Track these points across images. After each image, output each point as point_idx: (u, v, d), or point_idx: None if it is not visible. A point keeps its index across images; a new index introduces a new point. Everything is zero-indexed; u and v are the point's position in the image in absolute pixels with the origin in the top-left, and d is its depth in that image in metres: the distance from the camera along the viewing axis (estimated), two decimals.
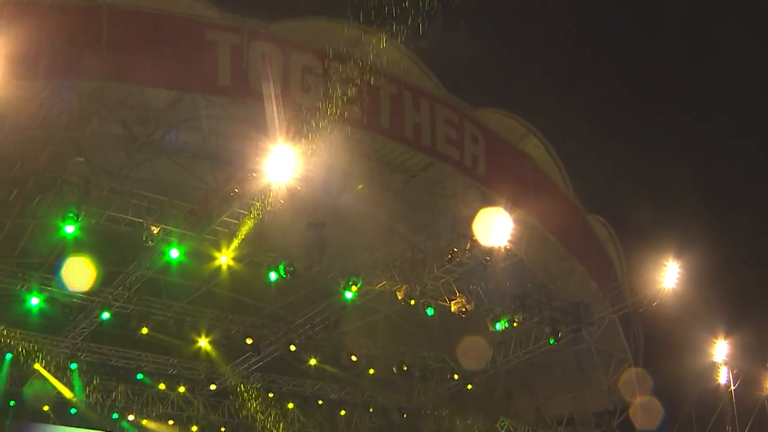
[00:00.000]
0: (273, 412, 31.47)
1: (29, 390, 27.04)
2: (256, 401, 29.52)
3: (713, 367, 28.11)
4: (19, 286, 22.55)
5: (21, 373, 26.83)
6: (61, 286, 22.67)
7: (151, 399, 29.17)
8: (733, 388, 28.38)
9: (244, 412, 30.63)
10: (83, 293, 23.29)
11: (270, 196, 18.56)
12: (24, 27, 16.12)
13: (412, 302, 23.09)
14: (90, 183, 19.04)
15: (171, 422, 28.48)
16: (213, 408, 30.63)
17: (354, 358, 27.20)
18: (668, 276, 23.65)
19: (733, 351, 27.67)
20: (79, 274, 24.70)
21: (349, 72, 19.70)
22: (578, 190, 25.70)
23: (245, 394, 28.96)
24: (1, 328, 24.71)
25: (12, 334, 24.94)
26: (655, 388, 28.51)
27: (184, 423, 30.11)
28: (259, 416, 30.89)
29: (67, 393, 27.37)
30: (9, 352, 25.63)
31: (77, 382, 27.48)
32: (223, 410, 30.58)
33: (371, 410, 31.85)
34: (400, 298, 22.81)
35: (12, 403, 27.22)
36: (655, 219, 26.45)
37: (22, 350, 25.54)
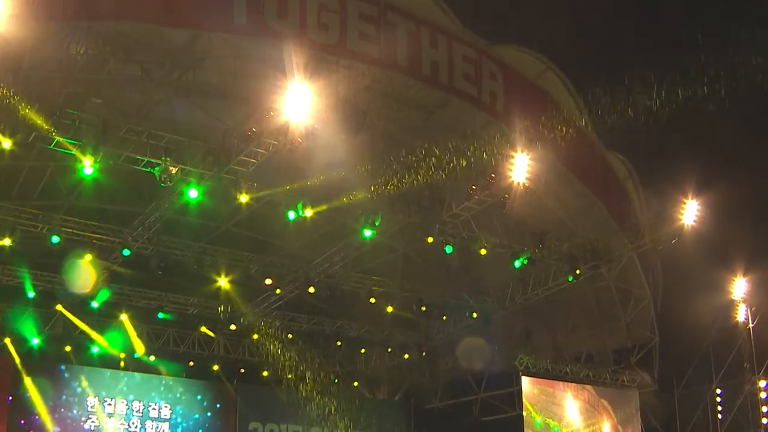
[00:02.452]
0: (291, 351, 31.81)
1: (52, 331, 27.38)
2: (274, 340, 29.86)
3: (732, 305, 28.18)
4: (39, 228, 22.66)
5: (44, 314, 27.12)
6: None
7: (172, 339, 29.45)
8: (751, 325, 28.49)
9: (264, 351, 30.98)
10: (103, 234, 23.43)
11: (287, 135, 18.59)
12: None
13: (430, 240, 23.14)
14: (107, 124, 19.03)
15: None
16: (233, 347, 30.93)
17: (372, 298, 27.34)
18: (687, 213, 23.57)
19: (751, 288, 27.71)
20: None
21: (366, 9, 19.61)
22: (597, 127, 25.49)
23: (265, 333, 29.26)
24: (23, 269, 24.93)
25: (33, 275, 25.18)
26: (673, 326, 28.64)
27: (205, 363, 30.48)
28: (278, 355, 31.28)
29: (90, 333, 27.72)
30: (31, 293, 25.91)
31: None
32: (243, 349, 30.85)
33: (389, 349, 32.04)
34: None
35: (37, 344, 27.58)
36: (674, 156, 26.29)
37: (44, 291, 25.83)
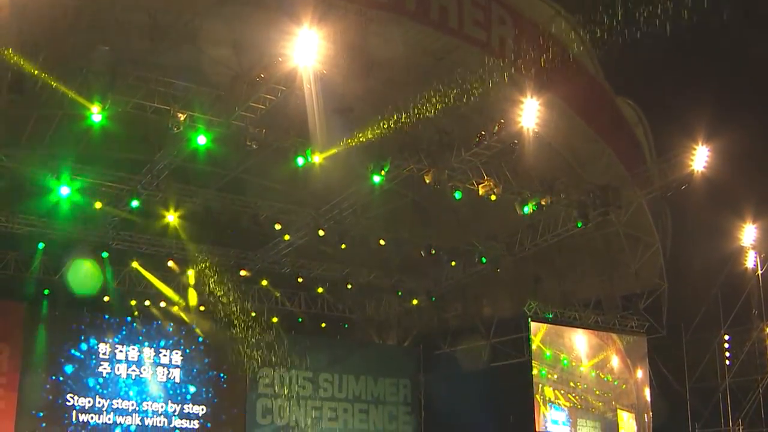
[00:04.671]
0: (300, 297, 32.03)
1: (62, 279, 27.52)
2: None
3: (741, 251, 28.15)
4: (48, 177, 22.70)
5: (54, 263, 27.25)
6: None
7: (183, 286, 29.58)
8: (760, 272, 28.47)
9: (274, 298, 31.16)
10: (111, 182, 23.48)
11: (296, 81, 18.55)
12: None
13: (440, 184, 23.15)
14: (115, 71, 18.99)
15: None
16: (244, 294, 31.05)
17: (382, 242, 27.39)
18: (697, 159, 23.46)
19: (761, 235, 27.66)
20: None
21: None
22: (607, 73, 25.35)
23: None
24: (33, 218, 25.01)
25: (43, 224, 25.25)
26: (683, 272, 28.67)
27: (216, 310, 30.60)
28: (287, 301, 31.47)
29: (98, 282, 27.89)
30: (41, 241, 26.00)
31: (109, 271, 27.93)
32: (253, 296, 30.99)
33: (399, 294, 32.15)
34: (427, 181, 22.86)
35: (46, 291, 27.74)
36: (685, 101, 26.12)
37: (54, 239, 25.93)
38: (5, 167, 22.28)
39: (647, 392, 30.63)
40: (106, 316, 28.86)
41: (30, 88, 18.43)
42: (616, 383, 30.37)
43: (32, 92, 18.68)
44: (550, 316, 29.18)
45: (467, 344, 33.46)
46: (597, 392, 29.96)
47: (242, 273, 29.26)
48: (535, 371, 28.58)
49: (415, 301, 32.23)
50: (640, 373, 30.62)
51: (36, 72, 18.01)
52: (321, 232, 26.10)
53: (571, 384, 29.38)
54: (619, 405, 30.17)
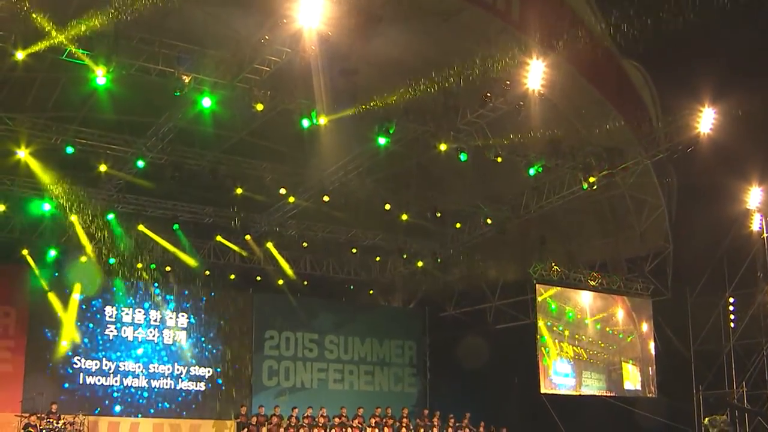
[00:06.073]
0: (306, 259, 32.04)
1: (69, 242, 27.54)
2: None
3: (746, 214, 28.12)
4: (53, 139, 22.69)
5: (60, 226, 27.27)
6: None
7: (188, 248, 29.62)
8: (765, 234, 28.46)
9: (280, 260, 31.19)
10: (116, 145, 23.47)
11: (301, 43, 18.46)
12: None
13: (444, 147, 23.11)
14: (119, 34, 18.89)
15: None
16: (249, 256, 31.10)
17: (387, 206, 27.37)
18: (704, 122, 23.36)
19: (767, 198, 27.60)
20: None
21: None
22: (613, 34, 25.16)
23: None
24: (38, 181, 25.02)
25: (50, 186, 25.25)
26: (688, 234, 28.68)
27: (222, 271, 30.72)
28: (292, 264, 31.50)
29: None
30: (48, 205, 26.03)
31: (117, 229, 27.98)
32: (258, 259, 31.03)
33: (405, 256, 32.19)
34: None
35: (54, 255, 27.79)
36: (692, 63, 25.96)
37: (62, 202, 25.93)
38: (10, 130, 22.26)
39: (652, 346, 30.88)
40: (113, 279, 28.92)
41: (34, 51, 18.34)
42: (621, 336, 30.64)
43: (37, 55, 18.61)
44: (555, 278, 29.28)
45: (472, 306, 33.58)
46: (602, 345, 30.24)
47: (247, 238, 29.26)
48: (540, 323, 28.77)
49: (420, 264, 32.24)
50: (645, 327, 30.85)
51: (40, 35, 17.94)
52: (326, 198, 26.13)
53: (576, 336, 29.62)
54: (623, 357, 30.43)
